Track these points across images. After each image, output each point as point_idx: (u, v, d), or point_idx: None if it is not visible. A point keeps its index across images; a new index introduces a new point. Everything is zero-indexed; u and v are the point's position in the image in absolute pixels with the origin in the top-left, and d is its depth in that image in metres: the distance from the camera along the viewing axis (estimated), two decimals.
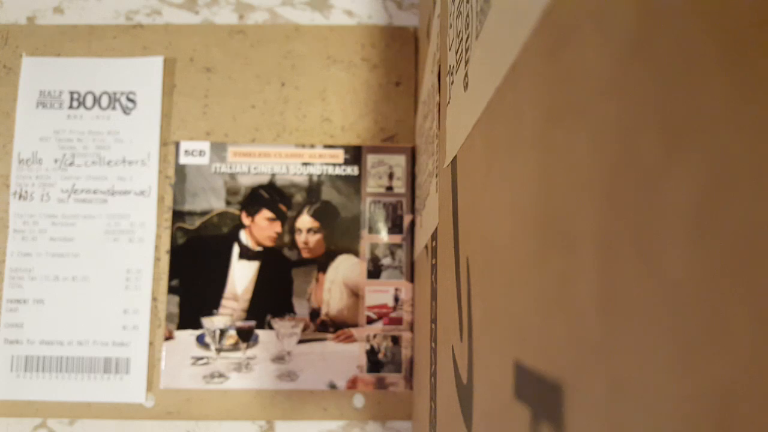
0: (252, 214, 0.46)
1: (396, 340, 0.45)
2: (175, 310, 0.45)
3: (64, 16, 0.48)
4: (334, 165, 0.46)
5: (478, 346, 0.17)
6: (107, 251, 0.45)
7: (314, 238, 0.46)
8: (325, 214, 0.46)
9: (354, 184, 0.46)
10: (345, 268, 0.45)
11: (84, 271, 0.45)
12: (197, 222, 0.46)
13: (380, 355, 0.44)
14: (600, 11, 0.09)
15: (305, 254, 0.46)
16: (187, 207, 0.46)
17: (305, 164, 0.46)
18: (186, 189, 0.46)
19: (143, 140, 0.46)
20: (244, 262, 0.46)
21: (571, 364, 0.10)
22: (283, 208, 0.46)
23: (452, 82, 0.23)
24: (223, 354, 0.44)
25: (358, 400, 0.44)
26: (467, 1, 0.19)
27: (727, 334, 0.06)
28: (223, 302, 0.45)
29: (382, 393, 0.44)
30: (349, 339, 0.45)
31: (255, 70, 0.47)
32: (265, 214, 0.46)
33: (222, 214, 0.46)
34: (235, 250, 0.46)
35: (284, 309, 0.45)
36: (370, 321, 0.45)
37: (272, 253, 0.46)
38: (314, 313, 0.45)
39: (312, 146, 0.46)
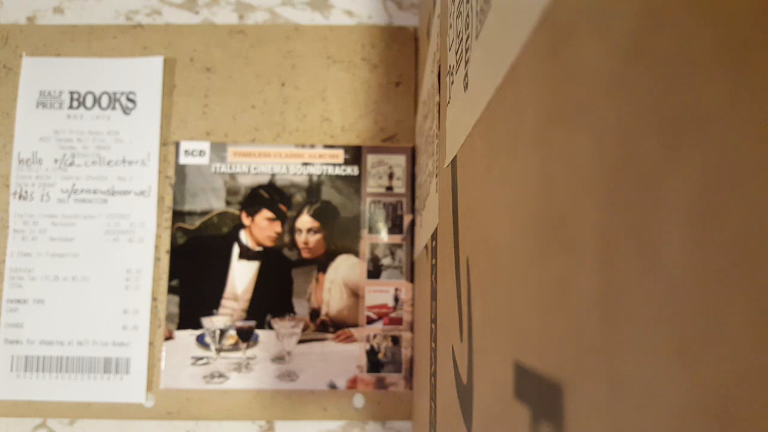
0: (252, 214, 0.46)
1: (396, 340, 0.45)
2: (175, 310, 0.45)
3: (64, 16, 0.48)
4: (334, 165, 0.46)
5: (478, 346, 0.17)
6: (107, 251, 0.45)
7: (314, 238, 0.46)
8: (325, 214, 0.46)
9: (354, 184, 0.46)
10: (345, 268, 0.45)
11: (84, 271, 0.45)
12: (197, 222, 0.46)
13: (380, 355, 0.44)
14: (599, 11, 0.09)
15: (305, 254, 0.46)
16: (187, 207, 0.46)
17: (305, 164, 0.46)
18: (186, 189, 0.46)
19: (143, 140, 0.46)
20: (244, 262, 0.46)
21: (571, 364, 0.10)
22: (283, 208, 0.46)
23: (452, 82, 0.23)
24: (223, 354, 0.44)
25: (358, 400, 0.44)
26: (467, 1, 0.19)
27: (727, 334, 0.06)
28: (223, 302, 0.45)
29: (382, 393, 0.44)
30: (349, 339, 0.45)
31: (255, 70, 0.47)
32: (265, 214, 0.46)
33: (222, 214, 0.46)
34: (235, 250, 0.46)
35: (284, 309, 0.45)
36: (370, 321, 0.45)
37: (272, 253, 0.46)
38: (314, 313, 0.45)
39: (312, 146, 0.46)
